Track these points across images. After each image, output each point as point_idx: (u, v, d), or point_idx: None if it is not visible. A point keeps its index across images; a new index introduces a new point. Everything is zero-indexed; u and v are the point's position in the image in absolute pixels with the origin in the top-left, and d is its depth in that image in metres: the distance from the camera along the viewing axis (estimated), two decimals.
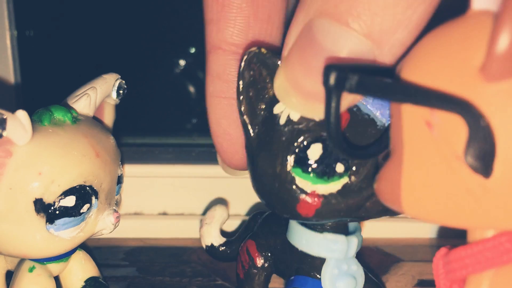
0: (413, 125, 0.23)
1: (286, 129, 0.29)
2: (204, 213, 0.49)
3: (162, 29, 0.52)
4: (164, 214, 0.49)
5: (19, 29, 0.50)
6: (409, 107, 0.23)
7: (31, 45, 0.51)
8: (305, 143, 0.29)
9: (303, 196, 0.29)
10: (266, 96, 0.30)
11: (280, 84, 0.27)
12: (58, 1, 0.52)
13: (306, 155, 0.29)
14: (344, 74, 0.22)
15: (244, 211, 0.48)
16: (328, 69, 0.23)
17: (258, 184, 0.30)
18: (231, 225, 0.46)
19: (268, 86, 0.30)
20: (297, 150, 0.29)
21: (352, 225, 0.34)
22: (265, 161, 0.29)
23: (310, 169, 0.29)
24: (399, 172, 0.23)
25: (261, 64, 0.29)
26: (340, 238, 0.32)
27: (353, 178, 0.29)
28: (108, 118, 0.38)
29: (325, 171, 0.29)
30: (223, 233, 0.42)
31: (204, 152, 0.51)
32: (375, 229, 0.48)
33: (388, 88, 0.22)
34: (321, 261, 0.32)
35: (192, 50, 0.52)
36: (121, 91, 0.37)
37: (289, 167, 0.29)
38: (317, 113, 0.27)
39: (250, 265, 0.36)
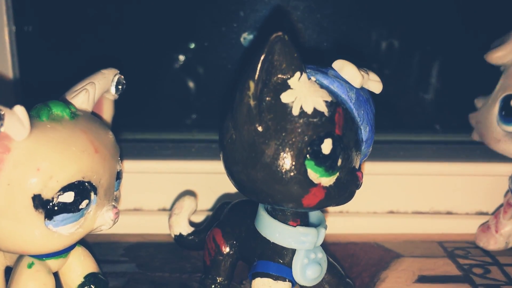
0: None
1: (301, 121, 0.30)
2: (204, 208, 0.49)
3: (161, 24, 0.51)
4: (164, 210, 0.49)
5: (17, 24, 0.50)
6: None
7: (30, 40, 0.51)
8: (319, 137, 0.30)
9: (312, 187, 0.30)
10: (274, 82, 0.30)
11: None
12: None
13: (320, 149, 0.30)
14: None
15: None
16: None
17: (258, 172, 0.30)
18: None
19: (277, 72, 0.30)
20: (312, 144, 0.30)
21: (318, 217, 0.36)
22: (275, 150, 0.30)
23: (322, 163, 0.30)
24: None
25: (280, 50, 0.29)
26: (312, 230, 0.33)
27: (342, 172, 0.31)
28: (107, 113, 0.38)
29: (332, 165, 0.30)
30: (192, 223, 0.44)
31: (204, 148, 0.51)
32: (375, 225, 0.48)
33: None
34: (282, 246, 0.34)
35: (192, 46, 0.52)
36: (120, 86, 0.37)
37: (303, 159, 0.30)
38: None
39: (216, 252, 0.37)
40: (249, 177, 0.31)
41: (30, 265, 0.33)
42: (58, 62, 0.52)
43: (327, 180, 0.31)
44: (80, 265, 0.35)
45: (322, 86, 0.31)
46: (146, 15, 0.52)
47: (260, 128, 0.30)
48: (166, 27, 0.52)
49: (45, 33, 0.51)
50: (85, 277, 0.35)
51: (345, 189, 0.32)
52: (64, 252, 0.34)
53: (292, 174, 0.30)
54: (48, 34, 0.52)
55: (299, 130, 0.30)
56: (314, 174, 0.30)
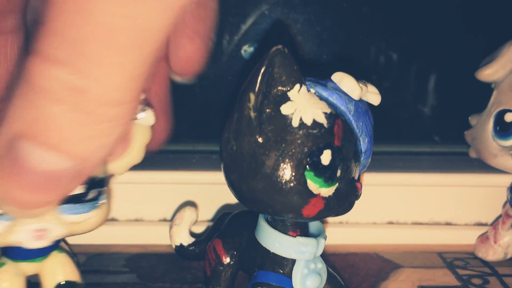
0: None
1: (301, 132, 0.30)
2: (205, 219, 0.49)
3: None
4: (165, 220, 0.49)
5: None
6: None
7: None
8: (319, 148, 0.30)
9: (312, 198, 0.30)
10: (274, 94, 0.30)
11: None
12: None
13: (320, 160, 0.30)
14: None
15: None
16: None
17: (258, 183, 0.30)
18: None
19: (277, 85, 0.30)
20: (311, 155, 0.30)
21: (318, 228, 0.36)
22: (275, 161, 0.30)
23: (321, 173, 0.30)
24: None
25: (280, 63, 0.30)
26: (311, 241, 0.34)
27: (341, 183, 0.31)
28: None
29: (331, 176, 0.30)
30: (193, 234, 0.44)
31: (205, 159, 0.51)
32: (374, 236, 0.49)
33: None
34: (282, 256, 0.34)
35: None
36: None
37: (302, 170, 0.30)
38: None
39: (216, 263, 0.37)
40: (250, 187, 0.31)
41: (0, 265, 0.34)
42: None
43: (327, 191, 0.31)
44: (57, 271, 0.35)
45: (321, 98, 0.31)
46: None
47: (260, 139, 0.30)
48: None
49: None
50: (60, 285, 0.35)
51: (345, 199, 0.32)
52: (38, 256, 0.34)
53: (292, 184, 0.30)
54: None
55: (299, 141, 0.30)
56: (314, 185, 0.30)
